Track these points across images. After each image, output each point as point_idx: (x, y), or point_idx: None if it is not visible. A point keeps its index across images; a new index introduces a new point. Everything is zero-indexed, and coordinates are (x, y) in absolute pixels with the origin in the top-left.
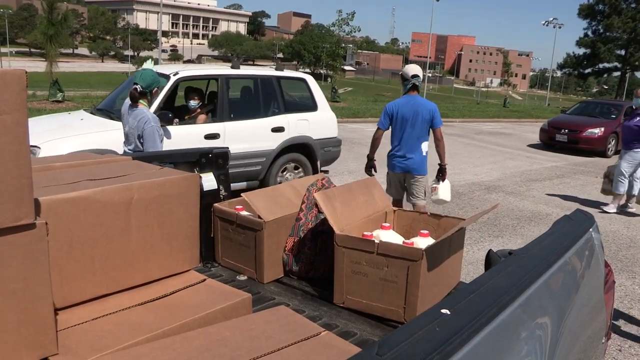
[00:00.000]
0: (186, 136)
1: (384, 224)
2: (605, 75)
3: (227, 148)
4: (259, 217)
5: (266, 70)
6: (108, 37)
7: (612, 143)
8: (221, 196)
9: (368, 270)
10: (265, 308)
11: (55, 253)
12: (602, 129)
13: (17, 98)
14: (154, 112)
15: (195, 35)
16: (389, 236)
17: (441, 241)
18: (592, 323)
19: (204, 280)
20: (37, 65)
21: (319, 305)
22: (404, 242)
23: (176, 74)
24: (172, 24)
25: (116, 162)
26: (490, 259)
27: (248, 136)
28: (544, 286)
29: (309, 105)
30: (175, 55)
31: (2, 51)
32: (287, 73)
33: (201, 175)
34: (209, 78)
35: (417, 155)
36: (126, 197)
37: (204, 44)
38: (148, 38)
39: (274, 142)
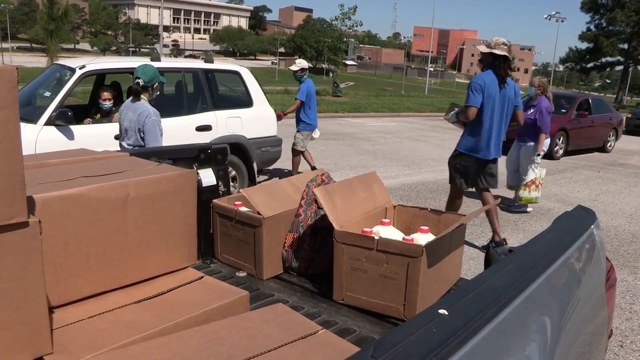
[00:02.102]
0: (91, 137)
1: (383, 220)
2: (608, 70)
3: (226, 144)
4: (258, 213)
5: (194, 62)
6: (109, 32)
7: (560, 142)
8: (220, 192)
9: (368, 266)
10: (265, 305)
11: (51, 251)
12: None
13: (8, 95)
14: (53, 111)
15: (197, 30)
16: (389, 232)
17: (441, 237)
18: (593, 321)
19: (201, 277)
20: (39, 61)
21: (318, 301)
22: (404, 239)
23: (83, 67)
24: (174, 18)
25: (112, 159)
26: (490, 257)
27: (165, 137)
28: (544, 284)
29: (243, 100)
30: (177, 51)
31: (4, 46)
32: (217, 65)
33: (200, 171)
34: (121, 72)
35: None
36: (122, 194)
37: (205, 39)
38: (149, 33)
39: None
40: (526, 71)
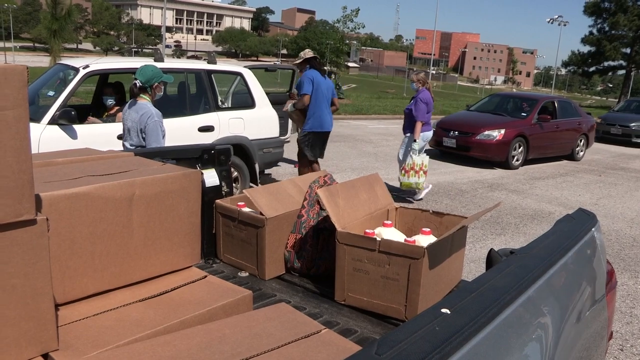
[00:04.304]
0: (94, 137)
1: (385, 222)
2: (610, 74)
3: (230, 145)
4: (261, 213)
5: (197, 63)
6: (112, 33)
7: (519, 150)
8: (223, 192)
9: (369, 267)
10: (267, 305)
11: (57, 249)
12: (503, 131)
13: (18, 93)
14: (56, 110)
15: (199, 31)
16: (391, 234)
17: (443, 239)
18: (593, 323)
19: (205, 276)
20: (41, 60)
21: (320, 302)
22: (405, 240)
23: (86, 67)
24: (176, 19)
25: (118, 158)
26: (492, 258)
27: (167, 137)
28: (545, 286)
29: (246, 101)
30: (180, 52)
31: (7, 46)
32: (220, 66)
33: (203, 171)
34: (124, 72)
35: None
36: (128, 193)
37: (207, 40)
38: (152, 34)
39: (201, 143)
40: (528, 74)
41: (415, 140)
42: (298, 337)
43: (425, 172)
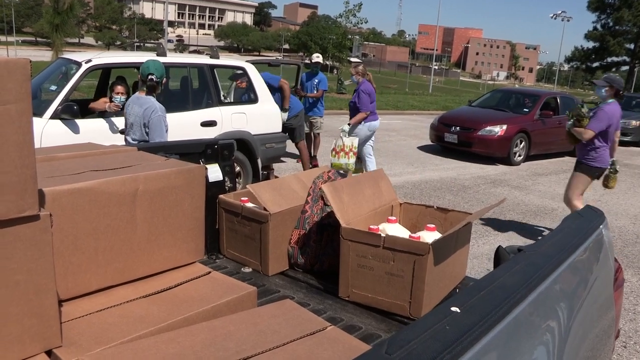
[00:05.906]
0: (97, 131)
1: (390, 218)
2: (614, 70)
3: (233, 140)
4: (265, 209)
5: (200, 58)
6: (114, 27)
7: (521, 146)
8: (226, 187)
9: (374, 264)
10: (270, 301)
11: (60, 244)
12: (505, 126)
13: (21, 87)
14: (59, 105)
15: (202, 26)
16: (395, 230)
17: (448, 235)
18: (601, 321)
19: (209, 272)
20: (43, 55)
21: (323, 298)
22: (410, 236)
23: (89, 61)
24: (178, 14)
25: (121, 153)
26: (500, 256)
27: (170, 132)
28: (554, 284)
29: (249, 97)
30: (182, 46)
31: (9, 40)
32: (223, 61)
33: (207, 166)
34: (127, 66)
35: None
36: (131, 188)
37: (210, 35)
38: (154, 28)
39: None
40: (531, 70)
41: (349, 124)
42: (303, 334)
43: (354, 153)
